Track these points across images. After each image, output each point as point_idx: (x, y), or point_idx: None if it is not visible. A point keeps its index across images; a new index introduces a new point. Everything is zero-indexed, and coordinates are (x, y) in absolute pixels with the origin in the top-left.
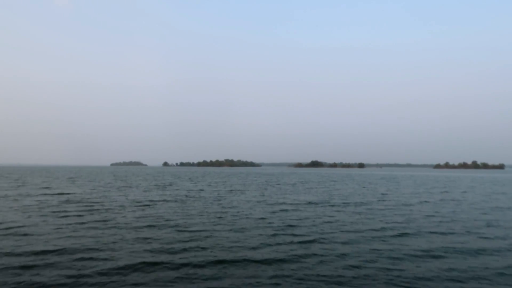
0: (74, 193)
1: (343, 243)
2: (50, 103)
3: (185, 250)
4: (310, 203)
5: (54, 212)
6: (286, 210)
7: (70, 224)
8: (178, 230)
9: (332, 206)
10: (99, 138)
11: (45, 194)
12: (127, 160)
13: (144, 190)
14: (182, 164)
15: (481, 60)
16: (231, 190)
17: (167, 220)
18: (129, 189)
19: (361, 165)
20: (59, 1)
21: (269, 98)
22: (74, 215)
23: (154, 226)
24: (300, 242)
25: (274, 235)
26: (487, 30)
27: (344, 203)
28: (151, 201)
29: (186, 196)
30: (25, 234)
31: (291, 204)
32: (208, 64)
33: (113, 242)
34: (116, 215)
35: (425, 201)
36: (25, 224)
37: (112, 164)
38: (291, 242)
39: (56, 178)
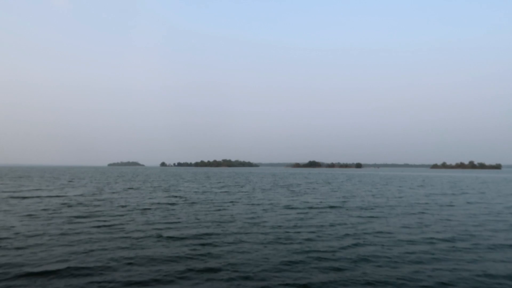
0: (74, 195)
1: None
2: (48, 104)
3: (201, 271)
4: (332, 206)
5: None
6: (305, 213)
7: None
8: (190, 241)
9: (360, 210)
10: (97, 138)
11: (41, 197)
12: (125, 160)
13: (148, 192)
14: (179, 164)
15: (477, 62)
16: (238, 192)
17: (174, 228)
18: (133, 191)
19: (358, 165)
20: (58, 1)
21: (267, 99)
22: (74, 221)
23: (160, 236)
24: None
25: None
26: (486, 31)
27: (371, 206)
28: (156, 204)
29: (193, 199)
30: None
31: (309, 207)
32: (206, 65)
33: (111, 259)
34: (120, 221)
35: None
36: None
37: (109, 165)
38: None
39: (56, 178)
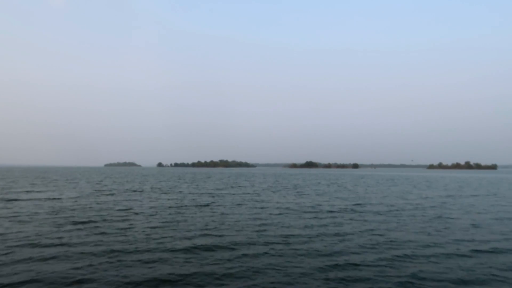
0: (69, 198)
1: None
2: (44, 104)
3: None
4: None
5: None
6: (320, 218)
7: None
8: (204, 253)
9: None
10: (93, 138)
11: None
12: (121, 160)
13: (149, 194)
14: (176, 164)
15: (473, 62)
16: (243, 193)
17: (182, 236)
18: (135, 193)
19: (355, 166)
20: (55, 2)
21: (264, 99)
22: (69, 228)
23: (173, 249)
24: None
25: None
26: (482, 32)
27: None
28: (159, 207)
29: (198, 201)
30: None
31: (322, 211)
32: (203, 65)
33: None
34: (121, 227)
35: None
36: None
37: (106, 165)
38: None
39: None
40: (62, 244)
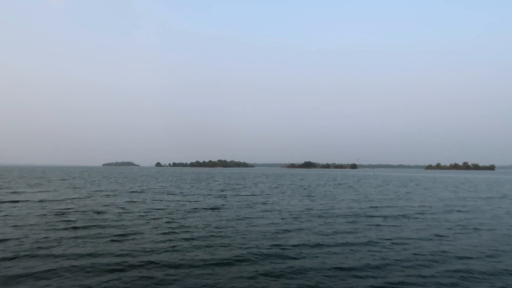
0: (68, 200)
1: None
2: (43, 104)
3: None
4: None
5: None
6: (339, 223)
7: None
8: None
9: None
10: (92, 138)
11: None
12: (120, 160)
13: (153, 196)
14: (175, 164)
15: (472, 64)
16: (251, 195)
17: (198, 244)
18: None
19: (353, 166)
20: (54, 2)
21: (262, 99)
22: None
23: (203, 261)
24: None
25: None
26: (480, 33)
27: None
28: (166, 210)
29: (207, 204)
30: None
31: (337, 215)
32: (202, 65)
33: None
34: (128, 231)
35: None
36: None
37: (104, 165)
38: None
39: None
40: (58, 255)
